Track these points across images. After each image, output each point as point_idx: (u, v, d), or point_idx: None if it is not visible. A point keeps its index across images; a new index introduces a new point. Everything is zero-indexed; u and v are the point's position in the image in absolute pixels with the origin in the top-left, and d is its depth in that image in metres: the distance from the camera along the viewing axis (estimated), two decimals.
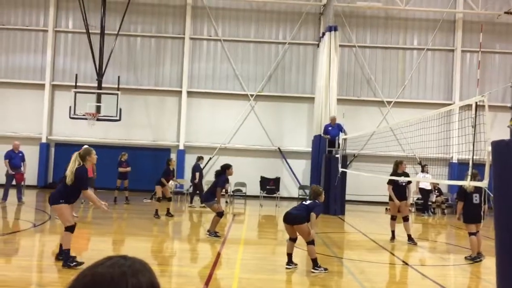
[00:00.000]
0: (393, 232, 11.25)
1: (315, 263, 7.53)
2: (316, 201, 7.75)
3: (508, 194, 3.81)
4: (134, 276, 1.09)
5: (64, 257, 7.25)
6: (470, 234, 9.14)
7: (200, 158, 17.49)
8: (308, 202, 7.76)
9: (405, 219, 11.08)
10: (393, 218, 11.31)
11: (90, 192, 7.57)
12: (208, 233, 10.51)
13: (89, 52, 18.99)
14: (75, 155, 7.51)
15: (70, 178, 7.26)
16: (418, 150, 13.99)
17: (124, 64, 21.16)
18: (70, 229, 7.33)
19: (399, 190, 11.17)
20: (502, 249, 3.87)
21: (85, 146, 8.04)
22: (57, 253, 7.68)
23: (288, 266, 7.67)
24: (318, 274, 7.40)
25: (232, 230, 12.02)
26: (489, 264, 9.03)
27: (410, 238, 10.90)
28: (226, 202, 18.03)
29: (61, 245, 7.53)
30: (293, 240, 7.75)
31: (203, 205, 15.98)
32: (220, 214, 10.54)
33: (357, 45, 21.11)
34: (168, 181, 14.06)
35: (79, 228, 11.18)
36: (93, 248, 9.34)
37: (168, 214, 13.66)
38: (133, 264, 1.13)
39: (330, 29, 18.14)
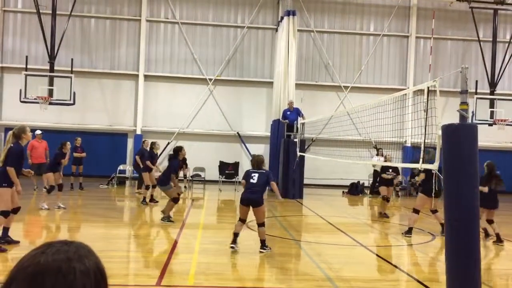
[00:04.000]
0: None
1: (263, 244, 7.79)
2: (263, 170, 7.96)
3: (457, 175, 3.96)
4: (80, 262, 1.05)
5: None
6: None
7: (143, 142, 16.02)
8: (256, 178, 7.78)
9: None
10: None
11: (12, 170, 7.26)
12: (161, 219, 10.43)
13: (40, 33, 18.25)
14: (9, 134, 7.43)
15: (1, 159, 7.24)
16: (373, 134, 14.29)
17: (78, 46, 20.48)
18: (4, 213, 7.31)
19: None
20: (451, 227, 4.02)
21: (20, 124, 7.80)
22: None
23: (233, 245, 7.78)
24: (266, 253, 7.66)
25: (190, 215, 11.98)
26: (439, 243, 9.42)
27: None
28: (185, 187, 17.92)
29: None
30: (243, 221, 7.90)
31: (137, 191, 15.58)
32: (175, 200, 10.56)
33: (315, 30, 21.23)
34: (153, 165, 13.68)
35: (33, 215, 10.88)
36: (48, 236, 9.10)
37: (152, 200, 13.43)
38: (77, 249, 1.08)
39: (288, 13, 18.15)
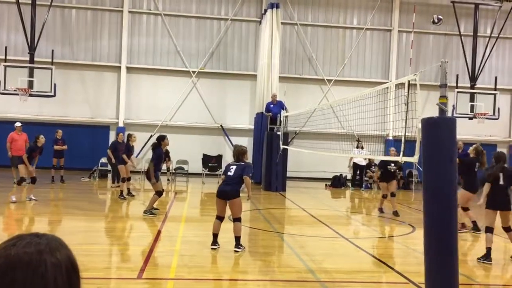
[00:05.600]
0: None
1: (238, 241, 7.42)
2: (242, 162, 7.58)
3: (436, 168, 4.01)
4: (52, 255, 1.05)
5: None
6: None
7: (118, 135, 15.53)
8: (233, 171, 7.43)
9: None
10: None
11: None
12: (144, 212, 10.32)
13: (19, 23, 17.91)
14: None
15: None
16: (356, 127, 14.37)
17: (59, 37, 20.17)
18: None
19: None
20: (429, 220, 4.08)
21: None
22: None
23: (213, 247, 7.44)
24: (241, 252, 7.34)
25: (173, 208, 11.96)
26: (419, 235, 9.55)
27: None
28: (168, 180, 17.85)
29: None
30: (220, 219, 7.55)
31: (114, 185, 15.36)
32: (158, 193, 10.40)
33: (298, 23, 21.23)
34: (129, 158, 13.31)
35: (14, 209, 10.73)
36: (28, 230, 8.98)
37: (129, 193, 13.24)
38: (49, 242, 1.08)
39: (272, 6, 18.12)
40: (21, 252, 1.02)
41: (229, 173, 7.47)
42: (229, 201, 7.40)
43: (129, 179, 13.35)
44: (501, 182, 7.59)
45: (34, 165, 11.87)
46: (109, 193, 14.78)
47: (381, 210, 12.32)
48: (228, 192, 7.37)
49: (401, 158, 5.81)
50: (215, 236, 7.54)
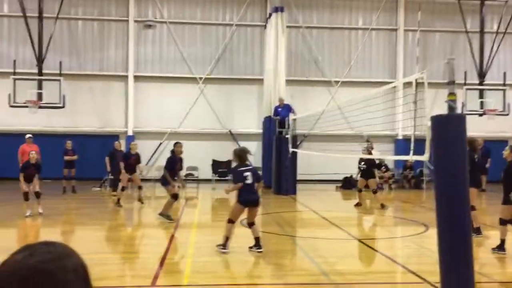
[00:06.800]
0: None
1: (259, 242, 7.56)
2: (250, 166, 7.71)
3: (447, 165, 3.99)
4: (69, 260, 1.07)
5: None
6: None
7: (115, 144, 15.65)
8: (250, 179, 7.43)
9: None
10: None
11: None
12: (160, 215, 10.35)
13: (27, 36, 18.11)
14: None
15: None
16: (365, 128, 14.32)
17: (66, 48, 20.35)
18: None
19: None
20: (442, 218, 4.05)
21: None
22: None
23: (227, 250, 7.46)
24: (256, 255, 7.42)
25: (184, 214, 11.98)
26: (432, 234, 9.47)
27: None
28: (178, 186, 17.87)
29: None
30: (234, 223, 7.63)
31: (114, 192, 15.29)
32: (174, 196, 10.51)
33: (303, 26, 21.24)
34: (135, 167, 13.45)
35: (27, 221, 10.81)
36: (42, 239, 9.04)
37: (139, 201, 13.26)
38: (62, 249, 1.10)
39: (276, 10, 18.15)
40: (40, 260, 1.03)
41: (247, 181, 7.46)
42: (255, 208, 7.67)
43: (140, 187, 13.43)
44: None
45: (37, 181, 11.33)
46: (121, 201, 14.82)
47: (358, 204, 13.16)
48: (257, 200, 7.68)
49: (411, 157, 5.79)
50: (228, 239, 7.49)
